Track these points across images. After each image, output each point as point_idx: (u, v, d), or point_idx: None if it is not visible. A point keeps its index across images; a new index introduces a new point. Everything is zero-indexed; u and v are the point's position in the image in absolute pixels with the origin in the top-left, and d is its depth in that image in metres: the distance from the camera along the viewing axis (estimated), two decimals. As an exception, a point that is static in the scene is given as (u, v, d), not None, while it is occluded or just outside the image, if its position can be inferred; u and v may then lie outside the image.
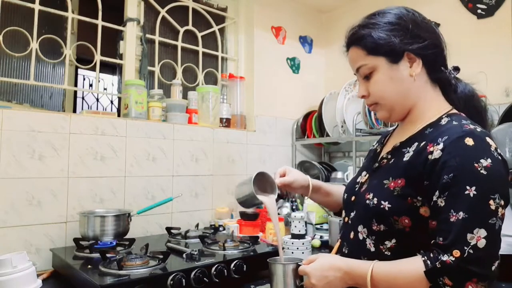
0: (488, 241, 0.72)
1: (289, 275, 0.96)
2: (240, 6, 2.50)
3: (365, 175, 1.00)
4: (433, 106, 0.92)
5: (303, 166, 2.53)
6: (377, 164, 0.97)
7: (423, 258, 0.77)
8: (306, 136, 2.50)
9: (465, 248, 0.72)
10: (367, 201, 0.90)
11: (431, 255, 0.76)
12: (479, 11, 2.01)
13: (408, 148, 0.88)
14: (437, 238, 0.77)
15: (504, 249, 1.53)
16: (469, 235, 0.73)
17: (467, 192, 0.74)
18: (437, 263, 0.74)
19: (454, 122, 0.84)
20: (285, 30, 2.59)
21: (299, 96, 2.63)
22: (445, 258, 0.73)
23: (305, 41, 2.72)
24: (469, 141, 0.78)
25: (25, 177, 1.51)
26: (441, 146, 0.80)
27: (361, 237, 0.91)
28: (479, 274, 0.72)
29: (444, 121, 0.87)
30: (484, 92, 1.88)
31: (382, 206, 0.85)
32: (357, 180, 1.03)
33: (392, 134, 1.05)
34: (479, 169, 0.75)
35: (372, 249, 0.88)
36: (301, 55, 2.68)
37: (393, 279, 0.80)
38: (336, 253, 1.00)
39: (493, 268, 0.74)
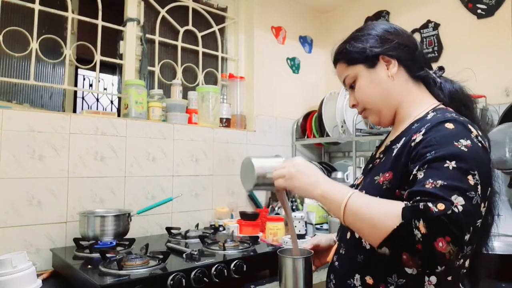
0: (465, 210, 0.69)
1: (300, 269, 0.96)
2: (240, 6, 2.50)
3: (360, 177, 1.04)
4: (420, 103, 0.95)
5: (303, 166, 2.52)
6: (371, 165, 1.00)
7: (406, 202, 0.74)
8: (306, 136, 2.50)
9: (450, 205, 0.68)
10: None
11: (417, 198, 0.73)
12: (479, 11, 2.01)
13: (397, 144, 0.91)
14: (417, 197, 0.73)
15: (504, 249, 1.53)
16: (451, 197, 0.70)
17: (446, 165, 0.74)
18: (421, 204, 0.70)
19: (438, 115, 0.87)
20: (285, 30, 2.59)
21: (299, 96, 2.63)
22: (430, 204, 0.69)
23: (305, 41, 2.73)
24: (449, 125, 0.80)
25: (25, 177, 1.51)
26: (423, 131, 0.82)
27: (357, 236, 0.92)
28: (455, 235, 0.67)
29: (430, 115, 0.90)
30: (483, 92, 1.89)
31: None
32: (354, 183, 1.06)
33: (387, 136, 1.09)
34: (459, 146, 0.76)
35: (368, 246, 0.88)
36: (301, 55, 2.68)
37: (369, 205, 0.78)
38: (334, 255, 1.01)
39: (466, 238, 0.69)
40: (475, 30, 2.01)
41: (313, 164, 0.97)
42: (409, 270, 0.82)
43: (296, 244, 1.03)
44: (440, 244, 0.67)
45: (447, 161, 0.74)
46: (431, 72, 0.97)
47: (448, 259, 0.68)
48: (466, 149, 0.75)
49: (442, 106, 0.93)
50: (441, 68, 0.98)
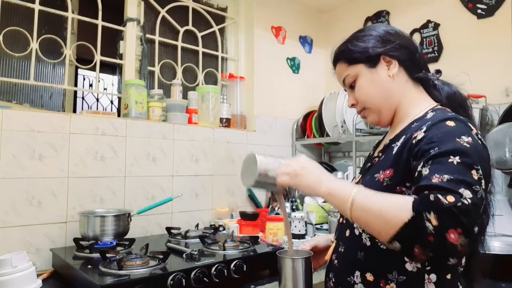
0: (473, 202, 0.69)
1: (299, 270, 0.95)
2: (240, 6, 2.50)
3: (358, 176, 1.04)
4: (419, 103, 0.96)
5: (303, 166, 2.52)
6: (369, 164, 1.01)
7: (416, 196, 0.74)
8: (306, 136, 2.50)
9: (459, 197, 0.68)
10: None
11: (426, 192, 0.72)
12: (479, 11, 2.01)
13: (396, 143, 0.91)
14: (425, 192, 0.73)
15: (504, 249, 1.53)
16: (459, 189, 0.70)
17: (451, 160, 0.74)
18: (431, 195, 0.69)
19: (438, 114, 0.88)
20: (285, 30, 2.59)
21: (299, 96, 2.63)
22: (440, 196, 0.69)
23: (305, 41, 2.73)
24: (451, 123, 0.81)
25: (25, 177, 1.51)
26: (424, 128, 0.83)
27: (357, 233, 0.92)
28: (466, 226, 0.67)
29: (430, 115, 0.91)
30: (484, 92, 1.89)
31: None
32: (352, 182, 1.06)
33: (384, 136, 1.09)
34: (461, 142, 0.77)
35: (368, 243, 0.89)
36: (301, 55, 2.68)
37: (375, 200, 0.77)
38: (332, 254, 1.01)
39: (475, 229, 0.69)
40: (475, 30, 2.01)
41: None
42: (409, 267, 0.83)
43: (291, 244, 1.04)
44: (452, 235, 0.66)
45: (451, 156, 0.74)
46: (429, 74, 0.99)
47: (460, 251, 0.68)
48: (468, 145, 0.76)
49: (440, 106, 0.95)
50: (438, 71, 1.00)
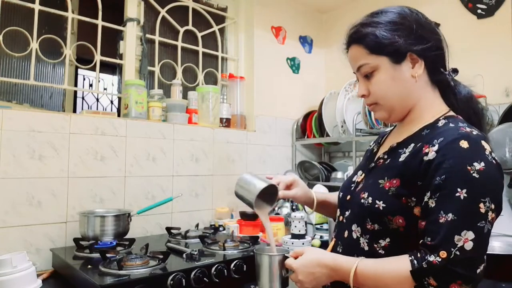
0: (476, 244, 0.72)
1: (275, 267, 0.96)
2: (240, 6, 2.50)
3: (361, 175, 0.99)
4: (432, 108, 0.92)
5: (303, 166, 2.53)
6: (373, 164, 0.97)
7: (410, 258, 0.77)
8: (306, 136, 2.50)
9: (452, 249, 0.72)
10: (362, 200, 0.90)
11: (418, 254, 0.77)
12: (479, 11, 2.01)
13: (404, 149, 0.89)
14: (425, 238, 0.77)
15: (504, 249, 1.53)
16: (456, 237, 0.73)
17: (458, 194, 0.74)
18: (423, 263, 0.74)
19: (451, 125, 0.85)
20: (285, 30, 2.59)
21: (299, 96, 2.63)
22: (431, 258, 0.74)
23: (305, 41, 2.72)
24: (464, 144, 0.78)
25: (25, 177, 1.51)
26: (436, 147, 0.80)
27: (355, 236, 0.92)
28: (464, 276, 0.72)
29: (441, 123, 0.87)
30: (483, 92, 1.89)
31: (376, 206, 0.86)
32: (353, 179, 1.02)
33: (389, 134, 1.05)
34: (471, 172, 0.75)
35: (366, 248, 0.89)
36: (301, 55, 2.68)
37: (379, 277, 0.81)
38: (331, 251, 1.00)
39: (478, 271, 0.73)
40: (475, 30, 2.01)
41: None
42: None
43: (273, 243, 1.05)
44: None
45: (458, 189, 0.75)
46: (447, 75, 0.93)
47: None
48: (478, 175, 0.75)
49: (452, 113, 0.91)
50: (454, 70, 0.94)
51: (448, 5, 2.12)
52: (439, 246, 0.74)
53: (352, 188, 0.99)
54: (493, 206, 0.75)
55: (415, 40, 0.88)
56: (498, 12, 1.94)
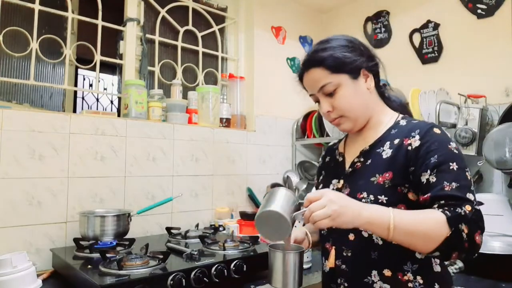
0: (477, 203, 0.87)
1: (290, 264, 0.95)
2: (240, 6, 2.50)
3: (338, 182, 1.05)
4: (387, 114, 1.07)
5: (303, 166, 2.53)
6: (350, 169, 1.04)
7: (441, 210, 0.85)
8: (306, 136, 2.50)
9: (472, 205, 0.85)
10: (363, 200, 0.94)
11: (446, 208, 0.85)
12: (479, 11, 2.01)
13: (381, 148, 0.99)
14: (439, 202, 0.86)
15: (504, 249, 1.53)
16: (469, 195, 0.86)
17: (451, 167, 0.89)
18: (458, 210, 0.83)
19: (413, 121, 1.01)
20: (285, 30, 2.59)
21: (299, 96, 2.62)
22: (461, 210, 0.83)
23: (305, 41, 2.73)
24: (437, 130, 0.95)
25: (25, 177, 1.51)
26: (418, 137, 0.94)
27: (366, 235, 0.95)
28: (482, 227, 0.85)
29: (403, 122, 1.03)
30: (484, 92, 1.89)
31: (380, 201, 0.92)
32: (333, 189, 1.05)
33: (346, 144, 1.14)
34: (452, 149, 0.92)
35: (380, 242, 0.93)
36: (301, 55, 2.64)
37: (419, 221, 0.85)
38: (336, 260, 1.00)
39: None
40: (475, 30, 2.01)
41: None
42: (419, 256, 0.93)
43: (289, 240, 1.00)
44: (477, 237, 0.84)
45: (450, 163, 0.89)
46: (383, 87, 1.11)
47: (480, 247, 0.85)
48: (456, 151, 0.92)
49: (403, 115, 1.07)
50: (385, 85, 1.12)
51: (448, 5, 2.12)
52: (462, 202, 0.85)
53: None
54: (470, 173, 0.92)
55: (366, 58, 1.03)
56: (498, 12, 1.95)
